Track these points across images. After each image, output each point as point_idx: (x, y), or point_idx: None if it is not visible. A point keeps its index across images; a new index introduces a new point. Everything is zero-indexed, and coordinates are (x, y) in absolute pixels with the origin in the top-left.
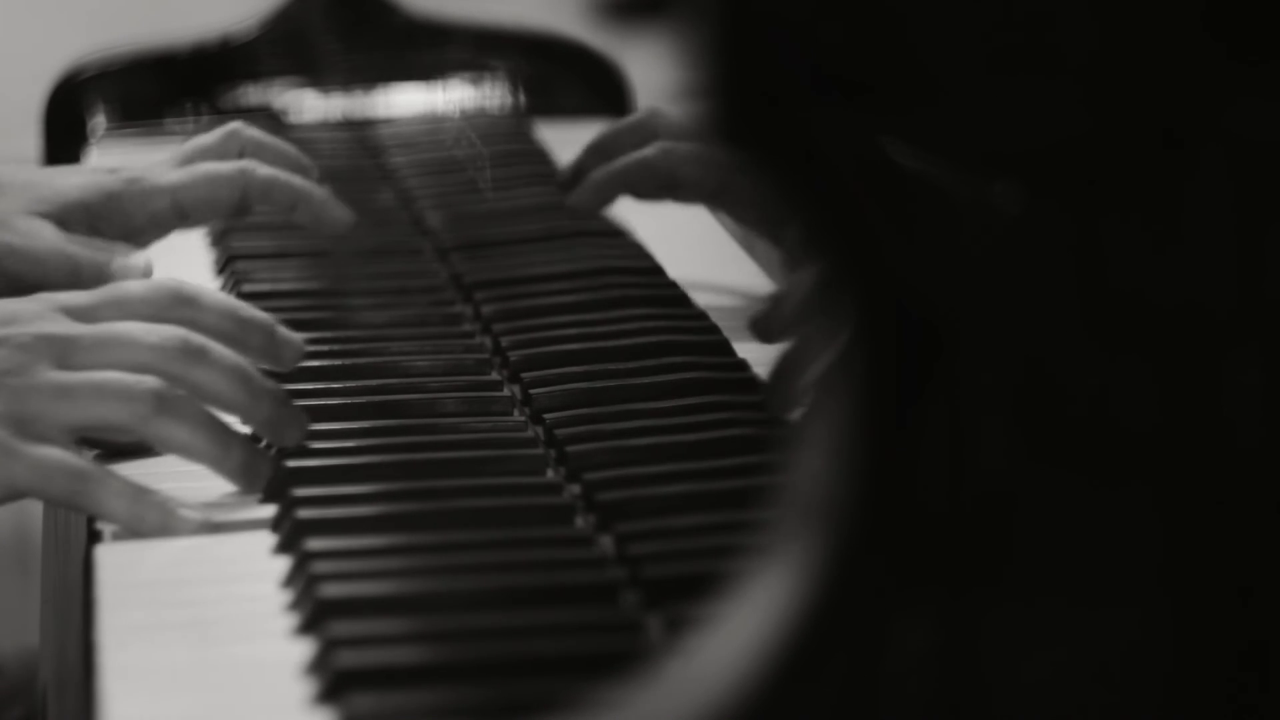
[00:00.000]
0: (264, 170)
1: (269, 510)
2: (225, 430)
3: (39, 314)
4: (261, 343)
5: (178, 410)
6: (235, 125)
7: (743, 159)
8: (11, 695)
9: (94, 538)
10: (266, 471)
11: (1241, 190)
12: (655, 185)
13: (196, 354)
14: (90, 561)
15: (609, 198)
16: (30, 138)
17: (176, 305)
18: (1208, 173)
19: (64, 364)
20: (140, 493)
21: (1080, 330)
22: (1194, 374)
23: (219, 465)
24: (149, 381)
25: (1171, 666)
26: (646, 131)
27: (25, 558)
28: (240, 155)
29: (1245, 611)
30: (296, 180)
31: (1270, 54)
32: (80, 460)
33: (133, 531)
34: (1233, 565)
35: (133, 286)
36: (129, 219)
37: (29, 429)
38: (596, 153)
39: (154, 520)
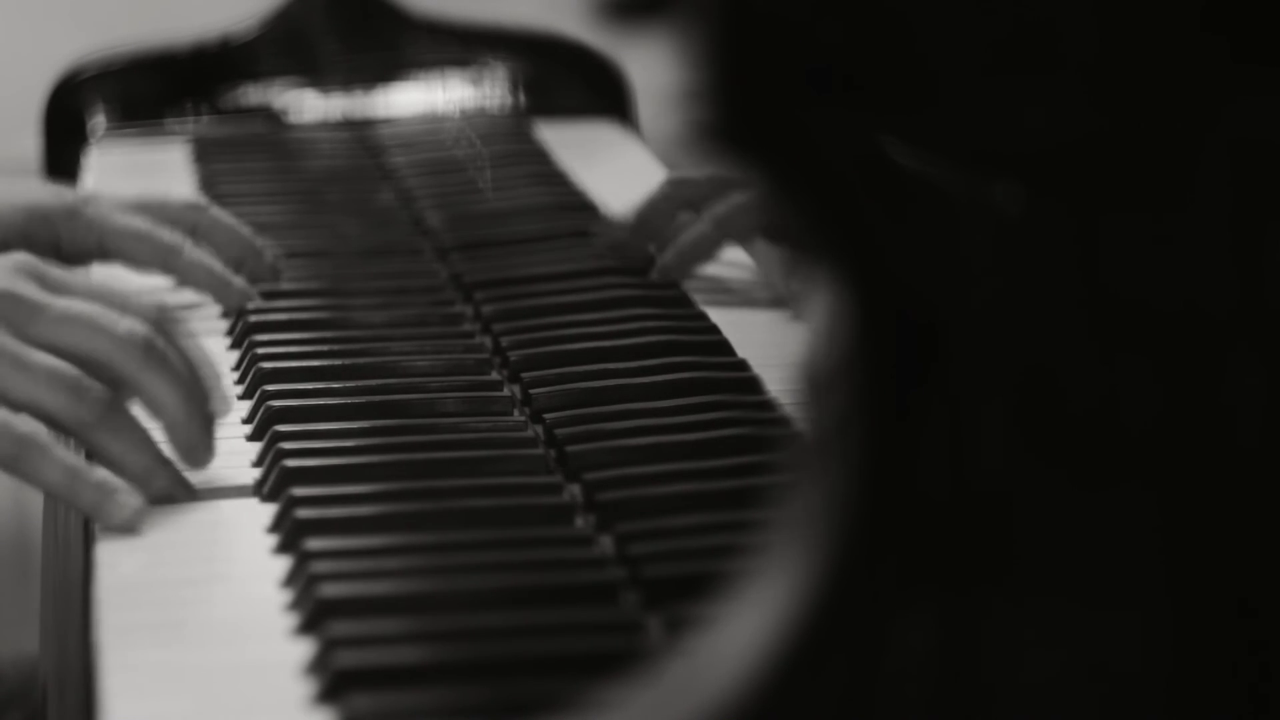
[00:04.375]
0: (191, 255)
1: (270, 510)
2: (158, 457)
3: (7, 271)
4: (195, 433)
5: (119, 427)
6: (200, 203)
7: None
8: (10, 700)
9: (93, 537)
10: (183, 494)
11: (1241, 190)
12: (714, 253)
13: (157, 359)
14: (90, 561)
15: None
16: (30, 138)
17: (141, 359)
18: (1208, 173)
19: (26, 328)
20: (81, 470)
21: (1080, 330)
22: (1194, 374)
23: (139, 486)
24: (99, 390)
25: (1171, 666)
26: (679, 201)
27: (25, 562)
28: (194, 229)
29: (1245, 611)
30: (218, 274)
31: (1270, 54)
32: (25, 425)
33: (68, 506)
34: (1233, 565)
35: (106, 319)
36: (59, 245)
37: None
38: (639, 231)
39: (89, 498)
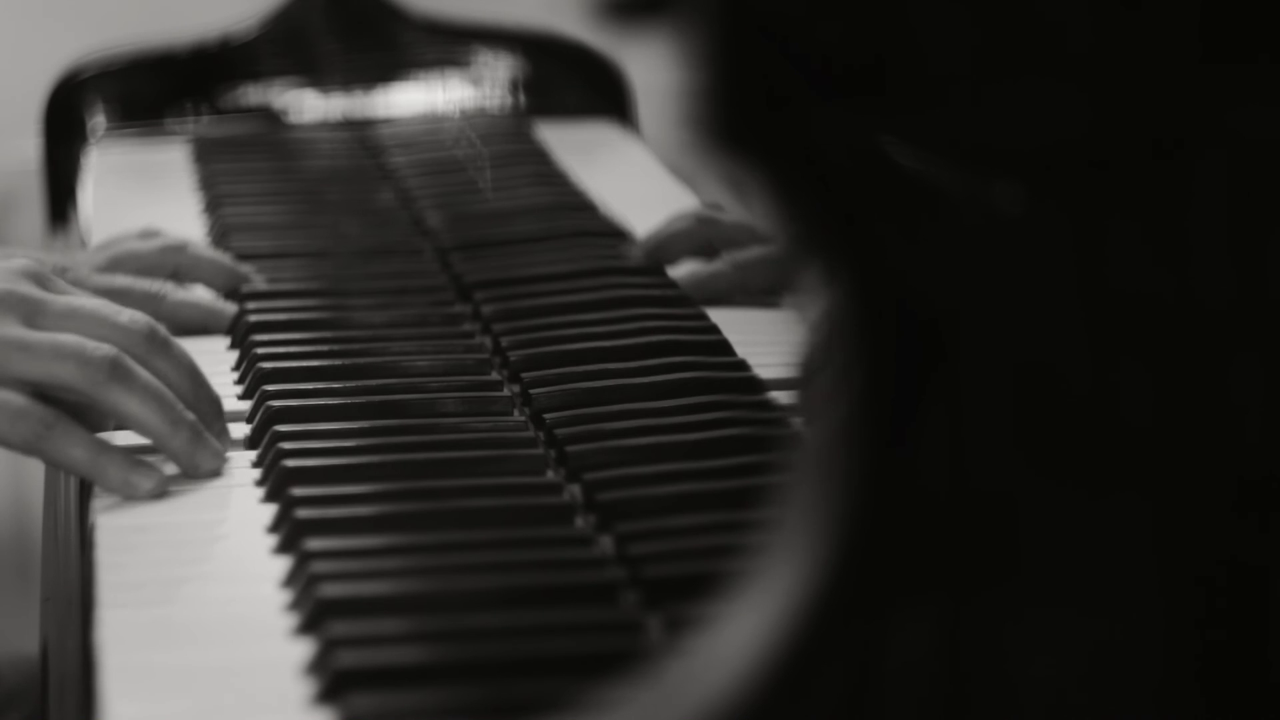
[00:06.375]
0: (174, 298)
1: (270, 510)
2: (175, 410)
3: (10, 275)
4: (206, 414)
5: (131, 380)
6: (176, 242)
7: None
8: (10, 700)
9: (90, 536)
10: (210, 459)
11: (1241, 191)
12: (726, 294)
13: (160, 343)
14: (90, 561)
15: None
16: (30, 138)
17: (145, 343)
18: (1208, 173)
19: (31, 323)
20: (103, 447)
21: (1080, 330)
22: (1194, 374)
23: (164, 442)
24: (106, 348)
25: (1168, 668)
26: (701, 239)
27: (25, 562)
28: (174, 273)
29: (1244, 612)
30: (205, 307)
31: (1270, 56)
32: (45, 408)
33: (95, 483)
34: (1231, 566)
35: (108, 309)
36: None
37: None
38: (654, 254)
39: (115, 475)
